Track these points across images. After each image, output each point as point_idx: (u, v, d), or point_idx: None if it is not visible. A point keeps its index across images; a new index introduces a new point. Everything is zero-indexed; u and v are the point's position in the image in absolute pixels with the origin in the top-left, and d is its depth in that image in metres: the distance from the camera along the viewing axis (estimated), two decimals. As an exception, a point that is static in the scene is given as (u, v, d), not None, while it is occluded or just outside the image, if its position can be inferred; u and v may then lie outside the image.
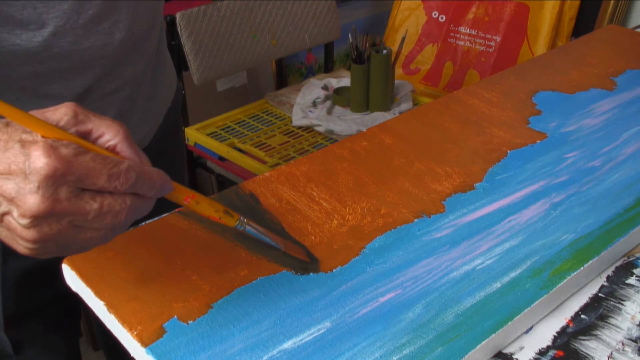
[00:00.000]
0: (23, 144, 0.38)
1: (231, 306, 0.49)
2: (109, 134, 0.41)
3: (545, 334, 0.50)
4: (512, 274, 0.52)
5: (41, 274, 0.80)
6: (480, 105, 0.78)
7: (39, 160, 0.37)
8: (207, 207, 0.46)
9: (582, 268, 0.53)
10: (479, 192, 0.62)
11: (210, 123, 1.50)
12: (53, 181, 0.38)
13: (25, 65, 0.62)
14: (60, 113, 0.40)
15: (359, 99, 1.47)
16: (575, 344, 0.49)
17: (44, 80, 0.64)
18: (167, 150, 0.86)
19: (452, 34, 1.94)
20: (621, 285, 0.55)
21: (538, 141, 0.71)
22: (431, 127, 0.73)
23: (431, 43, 1.96)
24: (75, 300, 0.53)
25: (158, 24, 0.77)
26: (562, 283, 0.51)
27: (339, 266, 0.53)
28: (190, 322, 0.47)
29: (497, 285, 0.51)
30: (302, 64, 2.00)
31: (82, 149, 0.39)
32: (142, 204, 0.42)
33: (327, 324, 0.48)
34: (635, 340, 0.49)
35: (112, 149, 0.41)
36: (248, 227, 0.50)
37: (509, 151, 0.69)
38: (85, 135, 0.41)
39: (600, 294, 0.54)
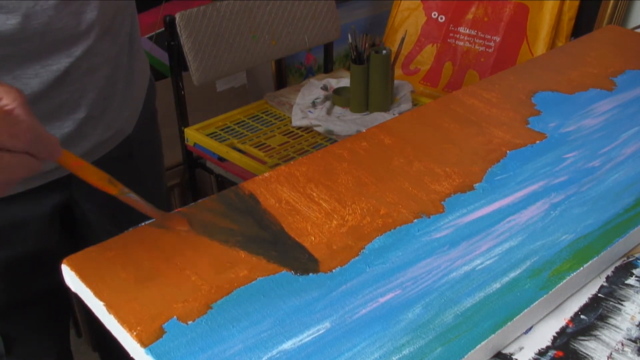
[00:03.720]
0: None
1: (231, 306, 0.49)
2: (7, 99, 0.43)
3: (544, 334, 0.50)
4: (512, 275, 0.52)
5: (31, 264, 0.80)
6: (480, 105, 0.78)
7: None
8: (91, 173, 0.50)
9: (581, 268, 0.53)
10: (479, 193, 0.62)
11: (210, 123, 1.50)
12: None
13: (0, 47, 0.63)
14: None
15: (359, 99, 1.47)
16: (575, 345, 0.49)
17: (20, 61, 0.65)
18: (147, 138, 0.88)
19: (451, 34, 1.94)
20: (620, 286, 0.55)
21: (537, 141, 0.71)
22: (431, 127, 0.73)
23: (431, 43, 1.96)
24: (67, 294, 0.54)
25: (130, 5, 0.79)
26: (561, 283, 0.51)
27: (339, 267, 0.53)
28: (189, 322, 0.47)
29: (497, 285, 0.51)
30: (301, 64, 1.99)
31: None
32: (34, 164, 0.45)
33: (327, 325, 0.48)
34: (634, 341, 0.50)
35: (10, 113, 0.42)
36: (130, 194, 0.53)
37: (508, 151, 0.69)
38: None
39: (599, 295, 0.54)
